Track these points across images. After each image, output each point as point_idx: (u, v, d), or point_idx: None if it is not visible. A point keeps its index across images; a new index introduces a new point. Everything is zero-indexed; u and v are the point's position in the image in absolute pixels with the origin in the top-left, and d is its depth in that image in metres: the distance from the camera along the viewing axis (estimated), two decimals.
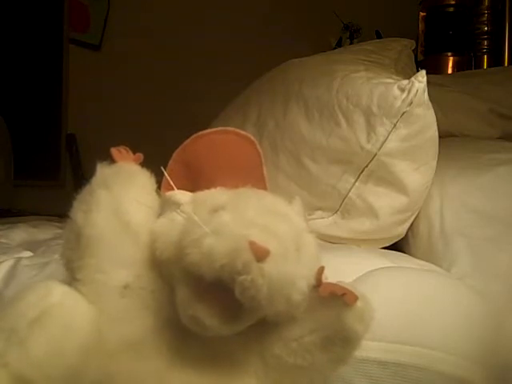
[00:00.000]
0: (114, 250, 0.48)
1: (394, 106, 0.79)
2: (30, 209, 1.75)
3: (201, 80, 2.28)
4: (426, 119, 0.81)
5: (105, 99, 2.29)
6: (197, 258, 0.41)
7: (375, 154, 0.81)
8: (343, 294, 0.44)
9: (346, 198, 0.85)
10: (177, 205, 0.48)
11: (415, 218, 0.89)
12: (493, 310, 0.66)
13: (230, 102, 1.22)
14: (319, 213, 0.88)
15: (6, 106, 2.01)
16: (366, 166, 0.83)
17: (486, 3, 1.82)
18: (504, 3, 1.80)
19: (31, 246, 0.94)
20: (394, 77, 0.86)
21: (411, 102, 0.78)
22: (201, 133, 0.55)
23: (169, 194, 0.50)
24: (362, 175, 0.84)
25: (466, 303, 0.65)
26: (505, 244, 0.76)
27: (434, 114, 0.82)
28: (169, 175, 0.51)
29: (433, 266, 0.77)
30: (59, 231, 1.08)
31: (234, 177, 0.50)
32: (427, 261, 0.80)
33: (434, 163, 0.86)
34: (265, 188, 0.54)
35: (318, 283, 0.45)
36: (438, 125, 0.83)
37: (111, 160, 0.53)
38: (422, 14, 1.96)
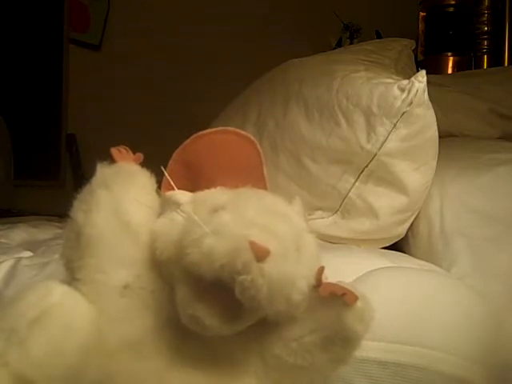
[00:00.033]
0: (114, 249, 0.48)
1: (394, 106, 0.79)
2: (30, 209, 1.75)
3: (201, 80, 2.28)
4: (425, 119, 0.81)
5: (105, 99, 2.29)
6: (197, 258, 0.41)
7: (375, 154, 0.81)
8: (343, 294, 0.44)
9: (346, 198, 0.85)
10: (177, 205, 0.48)
11: (415, 218, 0.89)
12: (493, 310, 0.66)
13: (230, 102, 1.22)
14: (319, 213, 0.88)
15: (6, 105, 2.01)
16: (366, 166, 0.83)
17: (486, 3, 1.82)
18: (504, 3, 1.80)
19: (31, 245, 0.94)
20: (393, 77, 0.86)
21: (411, 102, 0.78)
22: (201, 133, 0.55)
23: (169, 193, 0.50)
24: (362, 175, 0.84)
25: (466, 303, 0.65)
26: (505, 244, 0.76)
27: (433, 114, 0.82)
28: (169, 175, 0.51)
29: (433, 266, 0.77)
30: (59, 231, 1.08)
31: (234, 177, 0.50)
32: (427, 261, 0.80)
33: (434, 163, 0.86)
34: (265, 188, 0.54)
35: (318, 283, 0.45)
36: (438, 125, 0.83)
37: (111, 160, 0.53)
38: (422, 14, 1.96)
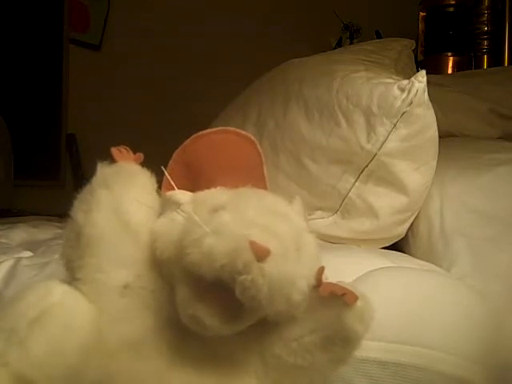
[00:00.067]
0: (115, 249, 0.48)
1: (394, 106, 0.79)
2: (30, 209, 1.75)
3: (201, 80, 2.28)
4: (425, 119, 0.81)
5: (105, 99, 2.29)
6: (197, 258, 0.41)
7: (375, 154, 0.81)
8: (343, 294, 0.44)
9: (345, 197, 0.85)
10: (177, 204, 0.48)
11: (415, 218, 0.89)
12: (493, 309, 0.66)
13: (230, 102, 1.22)
14: (319, 213, 0.88)
15: (6, 105, 2.01)
16: (366, 166, 0.83)
17: (486, 3, 1.82)
18: (504, 3, 1.80)
19: (31, 246, 0.94)
20: (393, 77, 0.86)
21: (411, 102, 0.78)
22: (201, 133, 0.55)
23: (169, 193, 0.50)
24: (362, 175, 0.84)
25: (466, 303, 0.65)
26: (505, 244, 0.76)
27: (433, 114, 0.82)
28: (169, 175, 0.51)
29: (433, 266, 0.77)
30: (59, 231, 1.08)
31: (234, 177, 0.50)
32: (427, 261, 0.80)
33: (434, 163, 0.86)
34: (265, 188, 0.54)
35: (318, 283, 0.45)
36: (438, 125, 0.83)
37: (111, 160, 0.53)
38: (422, 14, 1.96)
